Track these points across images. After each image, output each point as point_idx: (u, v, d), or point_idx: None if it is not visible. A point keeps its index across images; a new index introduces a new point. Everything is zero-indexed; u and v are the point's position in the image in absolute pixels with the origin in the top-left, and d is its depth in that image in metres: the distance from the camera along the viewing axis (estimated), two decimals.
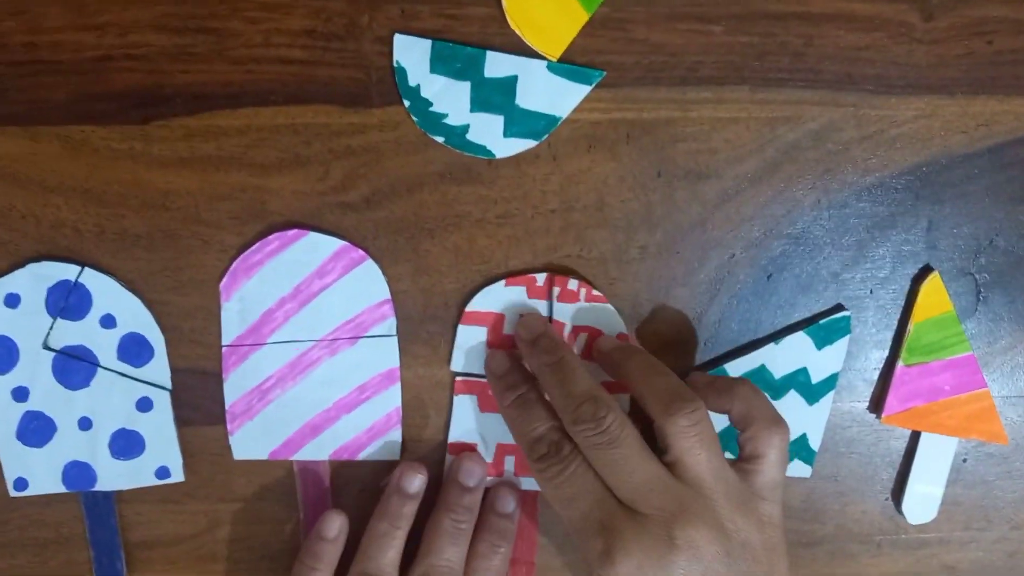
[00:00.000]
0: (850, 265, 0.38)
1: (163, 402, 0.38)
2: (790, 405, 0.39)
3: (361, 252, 0.37)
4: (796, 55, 0.36)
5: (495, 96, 0.35)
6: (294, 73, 0.35)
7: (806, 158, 0.37)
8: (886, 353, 0.39)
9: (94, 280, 0.36)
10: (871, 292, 0.38)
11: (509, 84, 0.35)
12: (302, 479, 0.39)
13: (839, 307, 0.38)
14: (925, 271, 0.38)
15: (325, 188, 0.36)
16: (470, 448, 0.38)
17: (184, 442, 0.38)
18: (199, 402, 0.38)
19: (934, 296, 0.38)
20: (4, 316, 0.36)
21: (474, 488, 0.37)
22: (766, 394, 0.35)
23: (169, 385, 0.38)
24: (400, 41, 0.34)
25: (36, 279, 0.36)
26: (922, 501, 0.41)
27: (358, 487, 0.39)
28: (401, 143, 0.36)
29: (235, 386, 0.38)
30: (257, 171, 0.35)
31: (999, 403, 0.40)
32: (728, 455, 0.34)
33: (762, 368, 0.38)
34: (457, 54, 0.34)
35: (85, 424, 0.37)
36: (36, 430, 0.37)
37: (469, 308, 0.37)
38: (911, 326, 0.38)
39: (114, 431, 0.38)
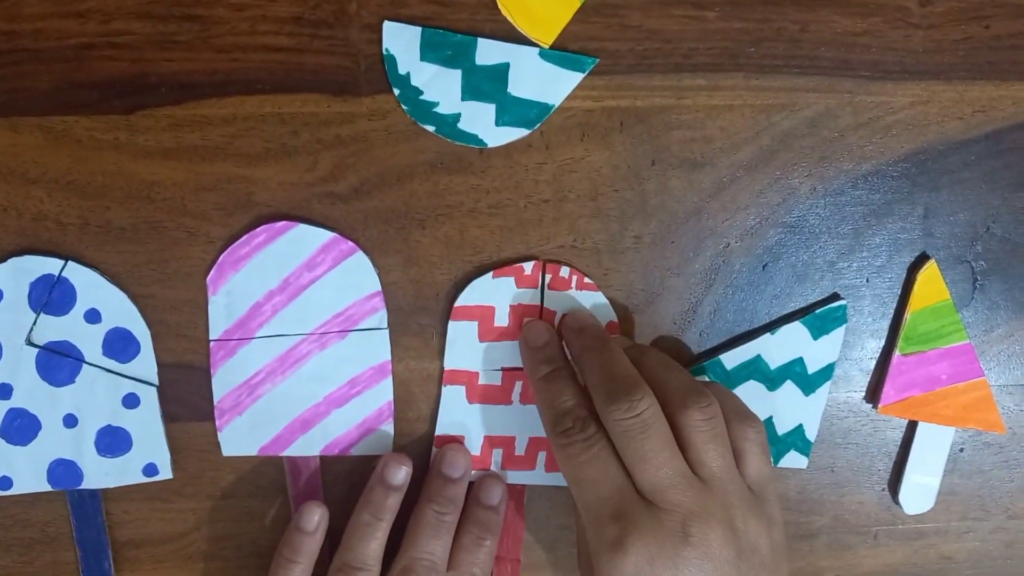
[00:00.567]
0: (846, 254, 0.38)
1: (150, 398, 0.37)
2: (786, 396, 0.38)
3: (351, 244, 0.36)
4: (792, 41, 0.35)
5: (486, 84, 0.34)
6: (281, 61, 0.34)
7: (801, 146, 0.36)
8: (882, 342, 0.39)
9: (78, 274, 0.35)
10: (867, 281, 0.38)
11: (501, 72, 0.34)
12: (292, 475, 0.38)
13: (835, 296, 0.38)
14: (922, 259, 0.38)
15: (313, 179, 0.35)
16: (457, 440, 0.38)
17: (172, 438, 0.37)
18: (186, 398, 0.37)
19: (931, 284, 0.38)
20: None
21: (458, 480, 0.37)
22: (677, 365, 0.34)
23: (156, 381, 0.37)
24: (389, 28, 0.33)
25: (18, 273, 0.35)
26: (919, 491, 0.40)
27: (349, 483, 0.39)
28: (391, 132, 0.35)
29: (223, 381, 0.37)
30: (244, 161, 0.35)
31: (996, 392, 0.40)
32: None
33: (758, 358, 0.38)
34: (448, 41, 0.34)
35: (70, 421, 0.37)
36: (20, 428, 0.37)
37: (458, 303, 0.36)
38: (908, 315, 0.38)
39: (100, 428, 0.37)
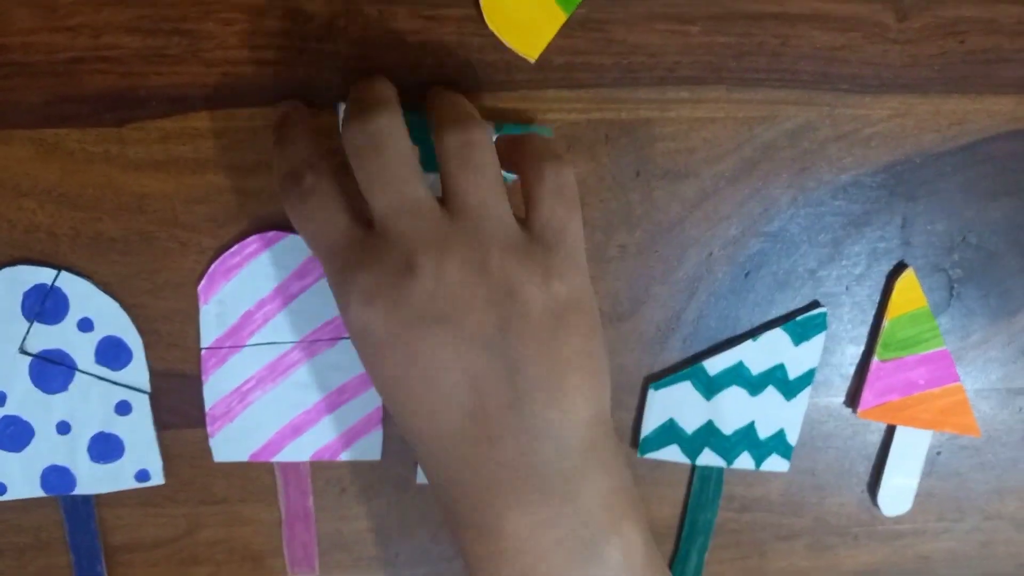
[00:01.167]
0: (826, 262, 0.38)
1: (142, 405, 0.37)
2: (768, 401, 0.39)
3: None
4: (773, 55, 0.36)
5: None
6: (271, 75, 0.34)
7: (782, 157, 0.37)
8: (862, 348, 0.40)
9: (70, 284, 0.36)
10: (847, 289, 0.39)
11: None
12: (283, 480, 0.39)
13: (815, 304, 0.39)
14: (900, 267, 0.39)
15: None
16: None
17: (164, 445, 0.38)
18: (178, 405, 0.38)
19: (908, 292, 0.39)
20: None
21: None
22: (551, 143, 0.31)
23: (148, 388, 0.37)
24: (343, 110, 0.32)
25: (11, 284, 0.35)
26: (897, 493, 0.41)
27: (339, 488, 0.39)
28: None
29: (214, 389, 0.37)
30: (235, 173, 0.35)
31: (972, 396, 0.41)
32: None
33: (740, 364, 0.39)
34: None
35: (63, 428, 0.37)
36: (13, 435, 0.37)
37: None
38: (886, 322, 0.39)
39: (93, 435, 0.37)
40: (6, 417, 0.37)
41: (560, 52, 0.35)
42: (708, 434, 0.39)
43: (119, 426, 0.37)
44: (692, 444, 0.40)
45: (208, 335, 0.37)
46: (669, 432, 0.39)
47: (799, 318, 0.39)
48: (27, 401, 0.36)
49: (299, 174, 0.30)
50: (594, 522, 0.28)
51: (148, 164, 0.35)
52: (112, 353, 0.37)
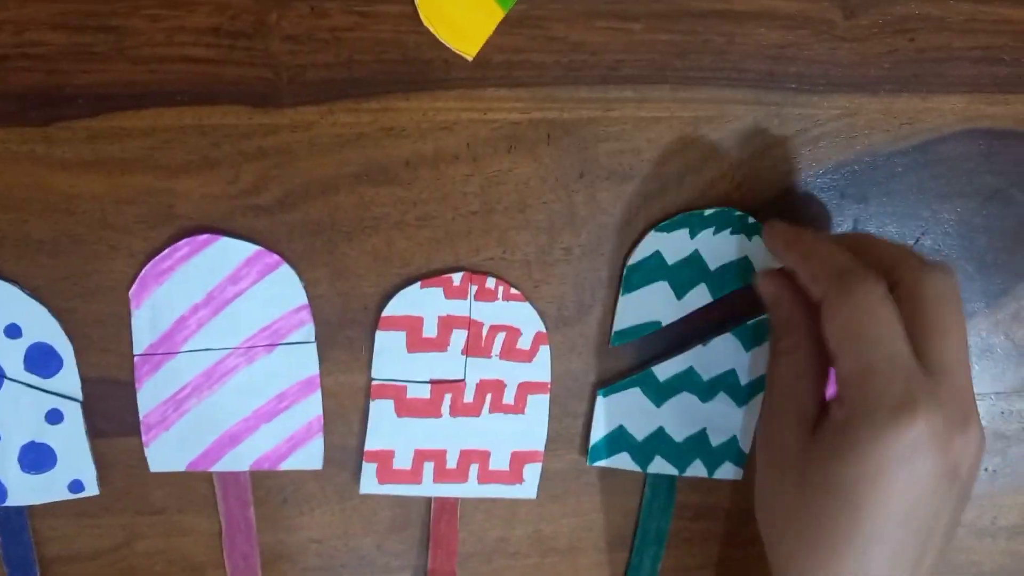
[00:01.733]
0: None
1: (74, 413, 0.36)
2: (720, 407, 0.38)
3: (276, 257, 0.35)
4: (718, 53, 0.35)
5: None
6: (200, 72, 0.33)
7: (730, 157, 0.36)
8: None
9: None
10: None
11: None
12: (222, 490, 0.38)
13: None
14: None
15: (236, 191, 0.35)
16: (387, 455, 0.37)
17: (98, 454, 0.37)
18: (112, 412, 0.37)
19: None
20: None
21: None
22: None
23: (80, 396, 0.36)
24: None
25: None
26: None
27: (281, 498, 0.38)
28: (315, 144, 0.35)
29: (149, 396, 0.36)
30: (164, 174, 0.34)
31: None
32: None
33: (690, 370, 0.38)
34: None
35: None
36: None
37: (385, 313, 0.36)
38: None
39: (23, 444, 0.36)
40: None
41: (499, 50, 0.34)
42: (659, 441, 0.39)
43: (50, 435, 0.36)
44: (643, 451, 0.39)
45: (141, 341, 0.36)
46: (619, 439, 0.39)
47: (750, 322, 0.38)
48: None
49: (875, 276, 0.31)
50: None
51: (76, 164, 0.34)
52: (41, 360, 0.36)
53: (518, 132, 0.35)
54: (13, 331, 0.35)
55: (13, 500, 0.37)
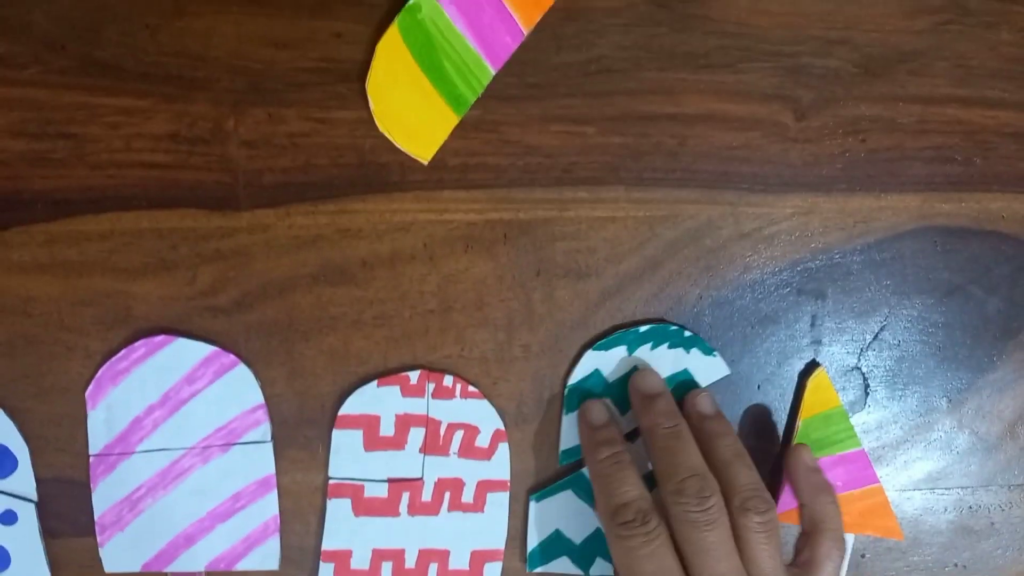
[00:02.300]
0: (735, 361, 0.38)
1: (28, 514, 0.36)
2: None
3: (232, 357, 0.35)
4: (670, 155, 0.35)
5: None
6: (158, 177, 0.34)
7: (686, 256, 0.36)
8: (777, 449, 0.39)
9: None
10: (758, 388, 0.38)
11: None
12: None
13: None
14: (811, 366, 0.38)
15: (193, 292, 0.35)
16: (345, 555, 0.37)
17: (52, 554, 0.36)
18: (67, 513, 0.36)
19: (821, 392, 0.38)
20: None
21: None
22: (745, 459, 0.35)
23: (35, 496, 0.36)
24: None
25: None
26: None
27: None
28: (272, 245, 0.35)
29: (104, 496, 0.36)
30: (121, 276, 0.34)
31: (895, 496, 0.40)
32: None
33: None
34: None
35: None
36: None
37: (342, 412, 0.36)
38: (799, 422, 0.38)
39: None
40: None
41: (454, 153, 0.35)
42: (599, 542, 0.38)
43: (4, 536, 0.36)
44: (583, 554, 0.38)
45: (97, 441, 0.36)
46: (556, 544, 0.38)
47: (643, 329, 0.37)
48: None
49: (647, 513, 0.33)
50: None
51: (33, 267, 0.34)
52: None
53: (475, 232, 0.36)
54: None
55: None
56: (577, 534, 0.38)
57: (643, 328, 0.37)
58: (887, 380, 0.39)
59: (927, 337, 0.38)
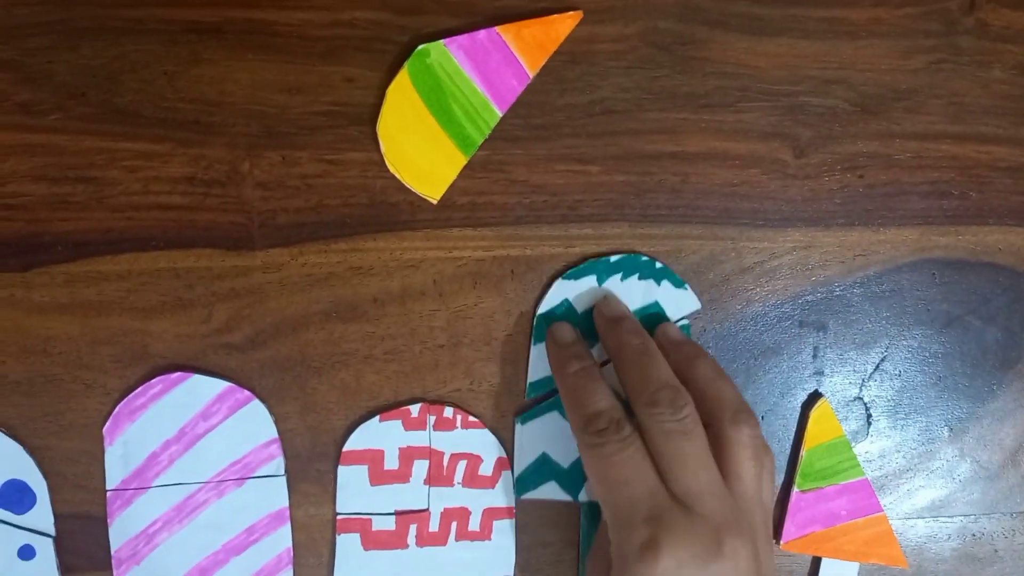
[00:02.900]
0: (740, 392, 0.38)
1: (46, 549, 0.37)
2: None
3: (247, 393, 0.36)
4: (673, 192, 0.36)
5: None
6: (174, 219, 0.35)
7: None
8: (781, 479, 0.39)
9: None
10: (762, 418, 0.39)
11: None
12: None
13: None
14: (814, 397, 0.39)
15: (209, 330, 0.36)
16: None
17: None
18: (84, 548, 0.37)
19: (824, 422, 0.38)
20: None
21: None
22: (728, 378, 0.34)
23: (53, 532, 0.37)
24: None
25: None
26: None
27: None
28: (285, 284, 0.36)
29: (120, 531, 0.37)
30: (139, 315, 0.35)
31: (898, 525, 0.40)
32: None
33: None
34: None
35: None
36: None
37: (347, 448, 0.37)
38: (803, 452, 0.38)
39: None
40: None
41: (463, 192, 0.36)
42: None
43: (23, 571, 0.37)
44: (571, 479, 0.38)
45: (114, 476, 0.36)
46: (543, 468, 0.38)
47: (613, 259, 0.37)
48: None
49: (620, 421, 0.32)
50: None
51: (53, 307, 0.35)
52: (15, 497, 0.36)
53: (483, 268, 0.36)
54: None
55: None
56: (564, 458, 0.38)
57: (614, 258, 0.36)
58: (889, 410, 0.39)
59: (927, 367, 0.39)
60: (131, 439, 0.36)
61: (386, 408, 0.37)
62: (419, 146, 0.35)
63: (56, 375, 0.36)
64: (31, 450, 0.36)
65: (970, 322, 0.39)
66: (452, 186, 0.36)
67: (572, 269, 0.37)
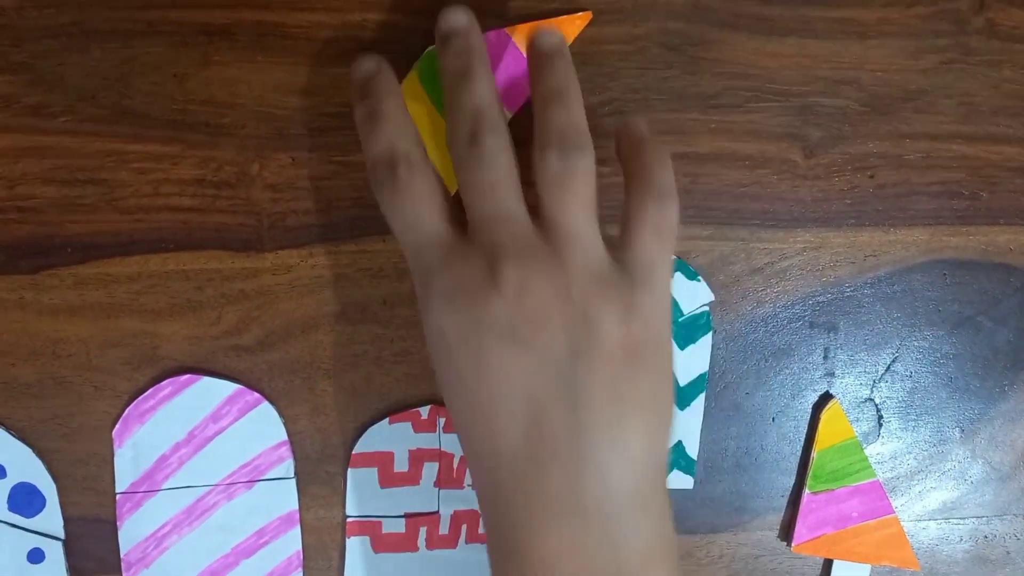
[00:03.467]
0: (750, 393, 0.38)
1: (55, 552, 0.37)
2: None
3: (256, 395, 0.36)
4: (683, 193, 0.36)
5: None
6: (184, 221, 0.35)
7: None
8: (792, 480, 0.39)
9: None
10: (773, 420, 0.39)
11: None
12: None
13: (703, 316, 0.37)
14: (825, 398, 0.39)
15: (218, 332, 0.36)
16: None
17: None
18: (94, 551, 0.37)
19: (835, 424, 0.38)
20: None
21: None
22: (670, 176, 0.29)
23: (62, 535, 0.37)
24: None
25: None
26: None
27: None
28: (295, 286, 0.36)
29: (130, 534, 0.37)
30: (148, 317, 0.35)
31: (910, 527, 0.40)
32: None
33: None
34: None
35: None
36: None
37: (356, 450, 0.37)
38: (814, 453, 0.38)
39: None
40: None
41: None
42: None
43: (32, 574, 0.36)
44: None
45: (123, 479, 0.36)
46: None
47: (682, 319, 0.37)
48: None
49: (394, 165, 0.29)
50: (627, 566, 0.27)
51: (62, 309, 0.35)
52: (25, 500, 0.36)
53: None
54: None
55: None
56: None
57: None
58: (900, 411, 0.39)
59: (939, 368, 0.39)
60: (141, 442, 0.36)
61: (396, 410, 0.37)
62: (429, 147, 0.35)
63: (65, 377, 0.36)
64: (40, 453, 0.36)
65: (981, 323, 0.39)
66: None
67: None
